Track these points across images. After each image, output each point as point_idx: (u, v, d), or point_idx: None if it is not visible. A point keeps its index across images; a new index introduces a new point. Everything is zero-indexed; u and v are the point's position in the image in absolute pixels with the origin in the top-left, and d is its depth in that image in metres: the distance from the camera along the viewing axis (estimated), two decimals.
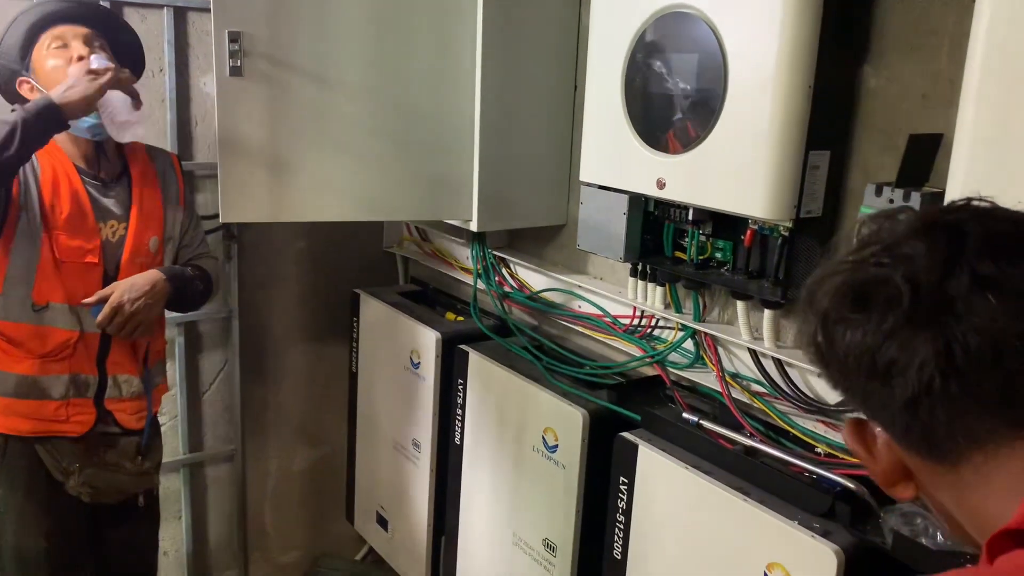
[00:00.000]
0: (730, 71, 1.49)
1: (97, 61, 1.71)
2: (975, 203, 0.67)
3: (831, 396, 1.60)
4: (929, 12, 1.41)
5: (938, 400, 0.61)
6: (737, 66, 1.49)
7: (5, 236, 1.71)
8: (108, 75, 1.65)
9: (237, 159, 1.89)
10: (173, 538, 2.69)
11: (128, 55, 1.87)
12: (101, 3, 2.22)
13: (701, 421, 1.68)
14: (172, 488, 2.64)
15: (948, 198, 1.20)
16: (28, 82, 1.77)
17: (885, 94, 1.49)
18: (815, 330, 0.68)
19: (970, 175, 1.17)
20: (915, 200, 1.33)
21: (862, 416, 0.70)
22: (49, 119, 1.60)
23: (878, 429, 0.69)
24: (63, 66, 1.73)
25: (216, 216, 2.15)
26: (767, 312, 1.66)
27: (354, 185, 2.02)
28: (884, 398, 0.64)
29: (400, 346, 2.40)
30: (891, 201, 1.35)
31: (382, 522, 2.61)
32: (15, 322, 1.75)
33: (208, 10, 1.87)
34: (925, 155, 1.38)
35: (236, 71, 1.82)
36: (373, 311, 2.54)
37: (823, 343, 0.68)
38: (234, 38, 1.81)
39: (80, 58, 1.73)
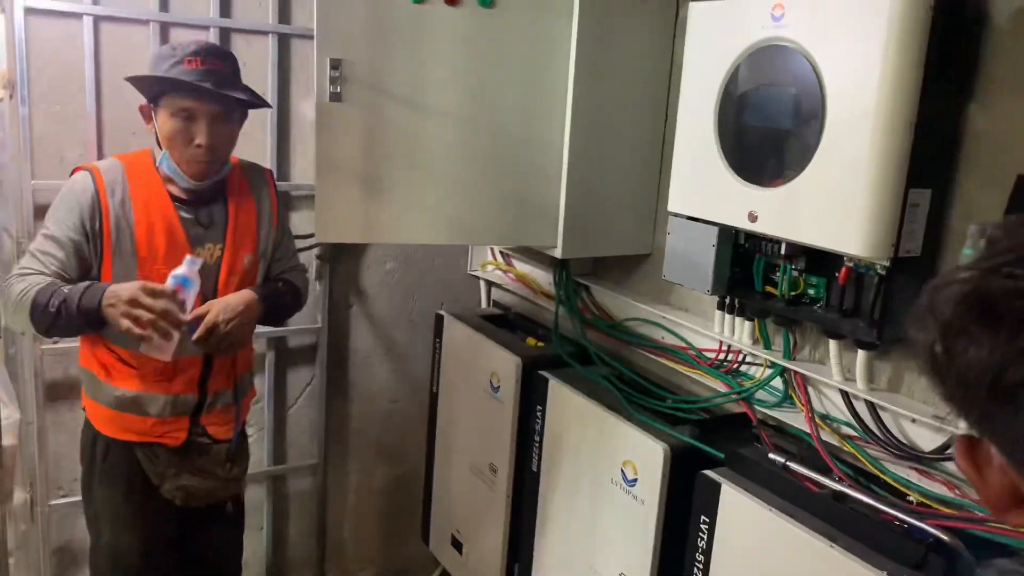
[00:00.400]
0: (828, 105, 1.46)
1: (182, 269, 1.70)
2: None
3: (926, 443, 1.54)
4: None
5: None
6: (835, 100, 1.46)
7: (104, 272, 1.79)
8: (150, 317, 1.61)
9: (333, 181, 1.95)
10: (254, 548, 2.76)
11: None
12: (212, 28, 2.34)
13: (788, 462, 1.63)
14: (255, 499, 2.71)
15: None
16: (151, 117, 1.83)
17: (992, 132, 1.43)
18: (934, 340, 0.63)
19: None
20: None
21: (975, 435, 0.65)
22: (89, 318, 1.67)
23: (994, 450, 0.63)
24: (181, 138, 1.78)
25: (311, 235, 2.22)
26: (861, 352, 1.61)
27: (444, 209, 2.05)
28: (1007, 421, 0.59)
29: (481, 369, 2.42)
30: None
31: (456, 545, 2.62)
32: (123, 347, 1.84)
33: (311, 37, 1.94)
34: None
35: (336, 96, 1.88)
36: (456, 333, 2.57)
37: (941, 354, 0.62)
38: (335, 65, 1.87)
39: (196, 145, 1.77)
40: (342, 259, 2.73)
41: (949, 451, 1.50)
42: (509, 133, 2.04)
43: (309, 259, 2.58)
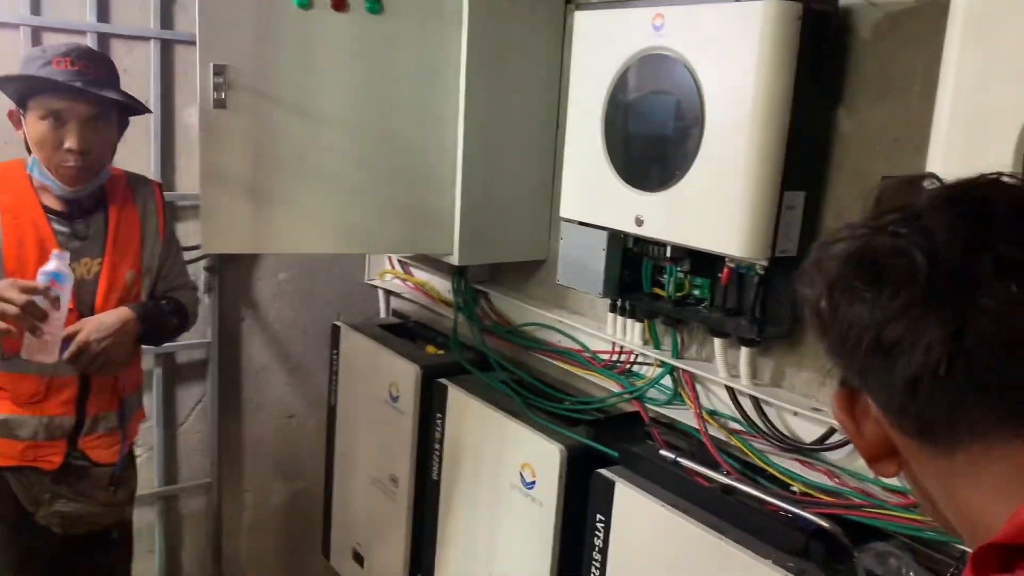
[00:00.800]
0: (707, 112, 1.52)
1: (51, 265, 1.62)
2: (1005, 179, 0.63)
3: (807, 435, 1.61)
4: (899, 57, 1.44)
5: (940, 385, 0.58)
6: (714, 107, 1.51)
7: None
8: (15, 310, 1.53)
9: (220, 190, 1.90)
10: (145, 573, 2.64)
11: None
12: (89, 33, 2.25)
13: (678, 458, 1.68)
14: (145, 521, 2.60)
15: None
16: (20, 122, 1.74)
17: (858, 137, 1.51)
18: (819, 296, 0.64)
19: None
20: None
21: (855, 387, 0.66)
22: None
23: (871, 402, 0.65)
24: (51, 142, 1.68)
25: (198, 247, 2.15)
26: (744, 350, 1.67)
27: (336, 217, 2.02)
28: (884, 375, 0.60)
29: (379, 379, 2.39)
30: None
31: (358, 559, 2.57)
32: None
33: (194, 43, 1.89)
34: None
35: (220, 103, 1.84)
36: (353, 344, 2.54)
37: (826, 310, 0.64)
38: (219, 71, 1.82)
39: (67, 149, 1.67)
40: (232, 270, 2.65)
41: (828, 441, 1.57)
42: (402, 140, 2.03)
43: (197, 271, 2.50)
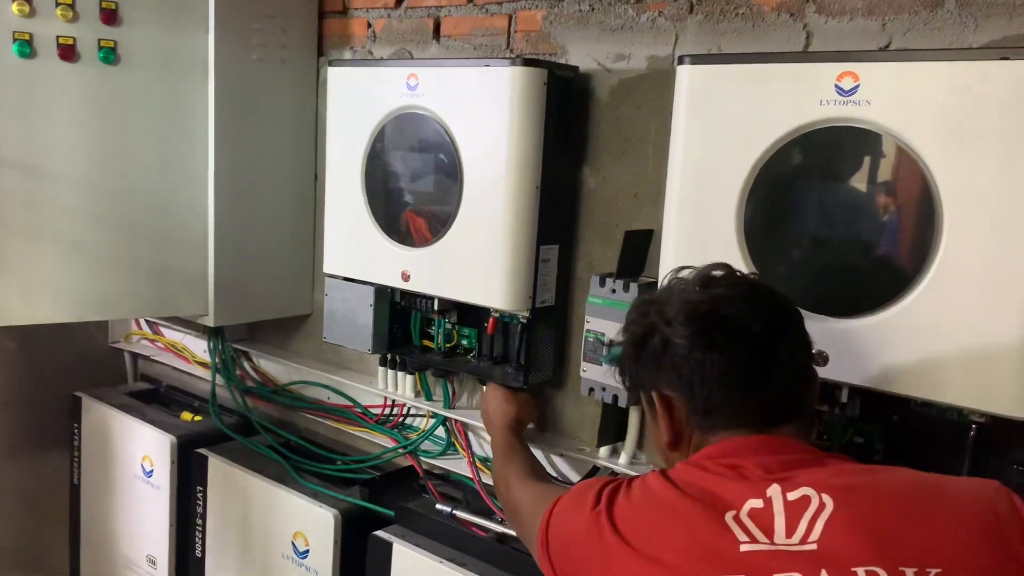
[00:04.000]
0: (464, 171, 1.56)
1: None
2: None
3: (574, 474, 1.68)
4: (634, 120, 1.57)
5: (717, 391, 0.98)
6: (471, 166, 1.56)
7: None
8: None
9: None
10: None
11: None
12: None
13: (454, 511, 1.69)
14: None
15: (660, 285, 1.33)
16: None
17: (602, 193, 1.62)
18: (651, 341, 1.01)
19: (677, 264, 1.31)
20: (633, 290, 1.45)
21: (667, 394, 1.01)
22: None
23: (679, 402, 1.01)
24: None
25: None
26: (534, 398, 1.72)
27: (73, 283, 1.84)
28: (688, 382, 0.98)
29: (129, 453, 2.19)
30: (613, 291, 1.47)
31: None
32: None
33: None
34: (639, 248, 1.52)
35: None
36: (97, 415, 2.31)
37: (658, 345, 1.00)
38: None
39: None
40: None
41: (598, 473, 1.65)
42: (146, 197, 1.90)
43: None
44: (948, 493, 0.87)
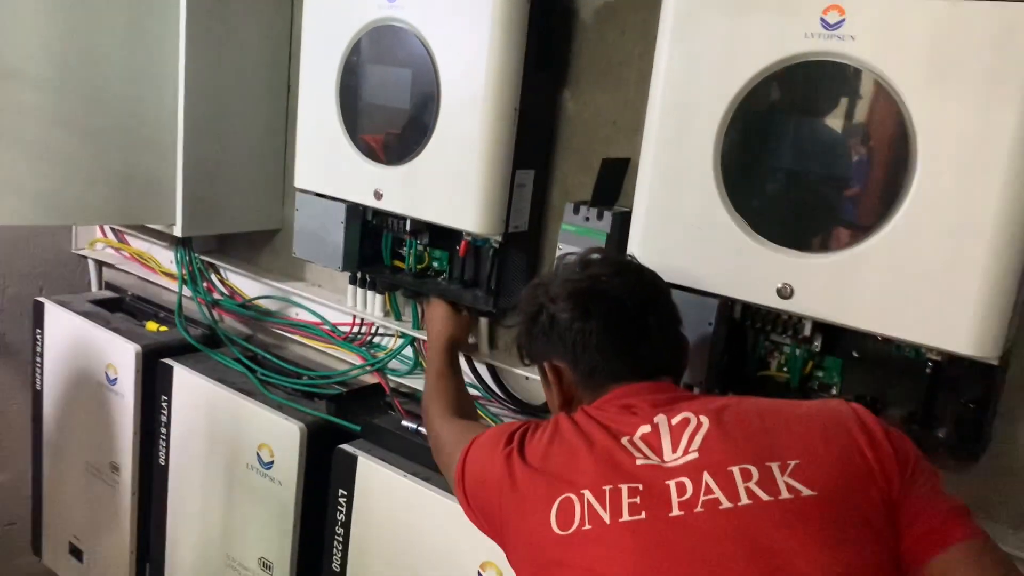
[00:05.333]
0: (442, 88, 1.53)
1: None
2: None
3: (538, 397, 1.71)
4: (618, 44, 1.55)
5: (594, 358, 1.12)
6: (449, 84, 1.53)
7: None
8: None
9: None
10: None
11: None
12: None
13: (419, 427, 1.71)
14: None
15: (635, 216, 1.33)
16: None
17: (581, 118, 1.61)
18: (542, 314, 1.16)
19: (653, 195, 1.31)
20: (607, 219, 1.45)
21: (556, 363, 1.16)
22: None
23: (566, 370, 1.15)
24: None
25: None
26: (481, 320, 1.73)
27: (36, 185, 1.80)
28: (575, 352, 1.12)
29: (94, 361, 2.18)
30: (587, 219, 1.47)
31: (76, 553, 2.36)
32: None
33: None
34: (615, 177, 1.52)
35: None
36: (60, 322, 2.28)
37: (545, 321, 1.15)
38: None
39: None
40: None
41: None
42: (114, 100, 1.85)
43: None
44: (801, 406, 1.03)
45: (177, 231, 1.99)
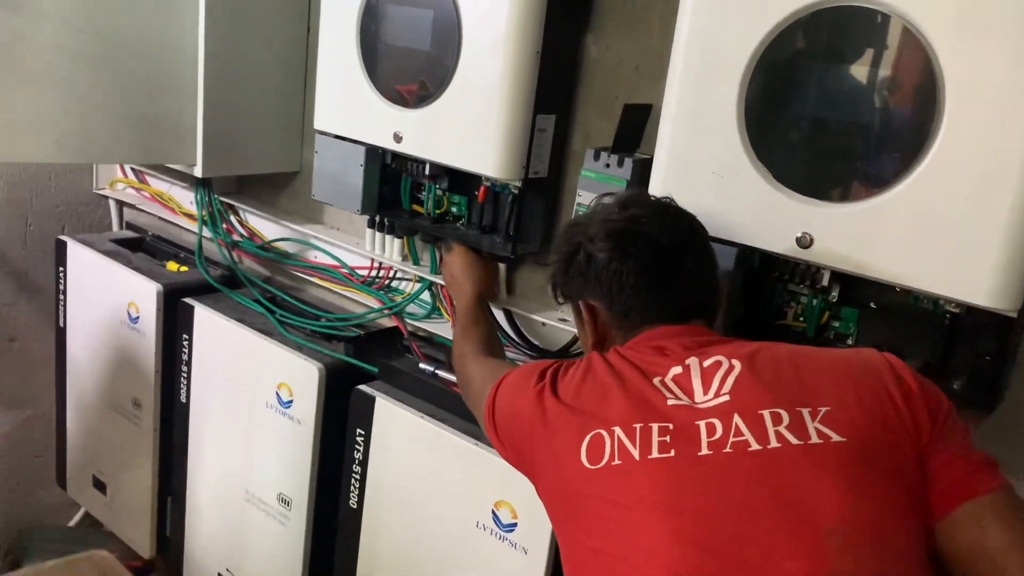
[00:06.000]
0: (464, 31, 1.51)
1: None
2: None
3: (555, 343, 1.73)
4: None
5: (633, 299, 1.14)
6: (471, 25, 1.51)
7: None
8: None
9: None
10: None
11: None
12: None
13: (436, 370, 1.73)
14: None
15: (656, 163, 1.33)
16: None
17: (604, 64, 1.59)
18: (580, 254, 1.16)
19: (674, 143, 1.30)
20: (627, 166, 1.45)
21: (591, 302, 1.17)
22: None
23: (601, 310, 1.16)
24: None
25: None
26: (499, 265, 1.74)
27: (55, 123, 1.80)
28: (611, 292, 1.14)
29: (116, 299, 2.21)
30: (607, 166, 1.47)
31: (99, 485, 2.42)
32: None
33: None
34: (637, 123, 1.51)
35: None
36: (82, 260, 2.31)
37: (583, 261, 1.16)
38: None
39: None
40: None
41: (572, 348, 1.69)
42: (135, 40, 1.84)
43: None
44: (834, 353, 1.05)
45: (197, 171, 2.00)
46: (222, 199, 2.24)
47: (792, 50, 1.20)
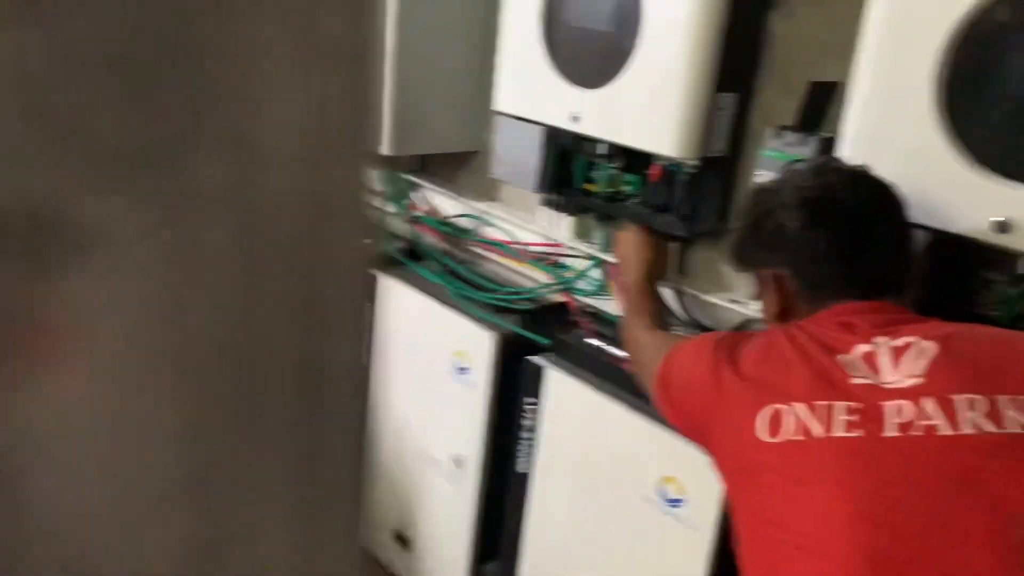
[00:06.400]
0: (646, 10, 1.53)
1: None
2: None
3: (726, 324, 1.73)
4: None
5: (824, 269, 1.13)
6: (652, 4, 1.53)
7: None
8: None
9: None
10: None
11: None
12: None
13: (604, 345, 1.78)
14: None
15: (843, 142, 1.30)
16: None
17: (788, 41, 1.56)
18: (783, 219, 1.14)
19: (863, 123, 1.27)
20: (811, 144, 1.42)
21: (779, 271, 1.16)
22: None
23: (789, 280, 1.15)
24: None
25: None
26: (671, 245, 1.75)
27: None
28: (801, 262, 1.14)
29: None
30: (789, 144, 1.45)
31: None
32: None
33: None
34: (822, 101, 1.48)
35: None
36: None
37: (775, 230, 1.15)
38: None
39: None
40: None
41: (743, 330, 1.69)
42: None
43: None
44: None
45: (384, 150, 2.12)
46: (406, 177, 2.37)
47: (997, 23, 1.14)
